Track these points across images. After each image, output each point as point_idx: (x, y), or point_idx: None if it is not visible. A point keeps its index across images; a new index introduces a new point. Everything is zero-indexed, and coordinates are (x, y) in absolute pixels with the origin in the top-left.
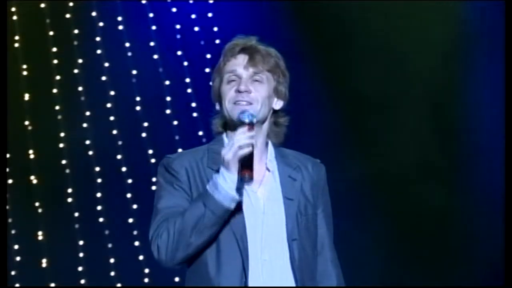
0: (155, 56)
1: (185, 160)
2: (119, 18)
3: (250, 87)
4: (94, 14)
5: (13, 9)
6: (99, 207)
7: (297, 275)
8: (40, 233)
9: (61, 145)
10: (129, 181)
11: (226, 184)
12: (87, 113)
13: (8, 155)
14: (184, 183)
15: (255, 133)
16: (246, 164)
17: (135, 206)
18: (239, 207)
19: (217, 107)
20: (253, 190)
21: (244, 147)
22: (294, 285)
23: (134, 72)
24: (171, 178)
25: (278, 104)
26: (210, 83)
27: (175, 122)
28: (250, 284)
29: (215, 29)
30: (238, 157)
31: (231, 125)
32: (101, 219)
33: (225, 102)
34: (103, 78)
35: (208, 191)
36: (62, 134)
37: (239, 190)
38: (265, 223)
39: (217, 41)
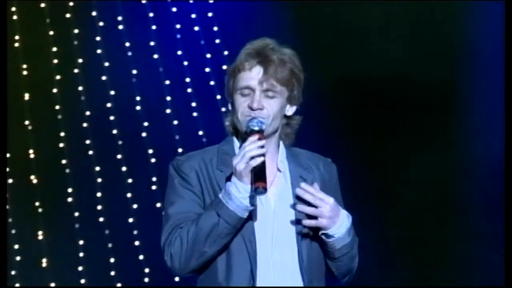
0: (155, 56)
1: (194, 162)
2: (119, 18)
3: (263, 102)
4: (94, 14)
5: (13, 9)
6: (99, 207)
7: (304, 275)
8: (40, 233)
9: (61, 145)
10: (129, 181)
11: (239, 193)
12: (87, 113)
13: (8, 155)
14: (195, 186)
15: (266, 138)
16: (259, 174)
17: (135, 206)
18: None
19: (230, 107)
20: None
21: (255, 157)
22: (302, 285)
23: (134, 72)
24: (182, 181)
25: (290, 110)
26: (212, 83)
27: (175, 122)
28: (259, 285)
29: (215, 29)
30: (250, 168)
31: (242, 132)
32: (101, 219)
33: (237, 113)
34: (103, 78)
35: (221, 201)
36: (62, 134)
37: (252, 199)
38: (276, 223)
39: (217, 41)
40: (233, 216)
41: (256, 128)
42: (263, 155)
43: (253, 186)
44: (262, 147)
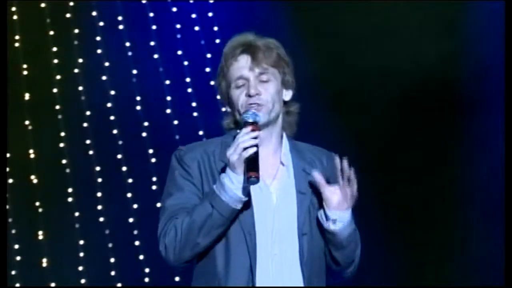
0: (155, 56)
1: (197, 153)
2: (119, 18)
3: (259, 88)
4: (94, 14)
5: (13, 9)
6: (99, 207)
7: (305, 270)
8: (40, 233)
9: (61, 145)
10: (129, 181)
11: (232, 185)
12: (87, 113)
13: (8, 155)
14: (196, 178)
15: (268, 129)
16: (252, 165)
17: (135, 206)
18: (248, 202)
19: (227, 108)
20: (266, 183)
21: (248, 148)
22: (301, 280)
23: (134, 72)
24: (183, 172)
25: (287, 95)
26: (212, 83)
27: (175, 122)
28: (258, 280)
29: (215, 29)
30: (243, 158)
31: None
32: (101, 219)
33: (237, 107)
34: (103, 78)
35: (215, 192)
36: (62, 134)
37: (246, 190)
38: (277, 217)
39: (217, 41)
40: (226, 207)
41: (250, 120)
42: (256, 146)
43: (245, 176)
44: (256, 138)
